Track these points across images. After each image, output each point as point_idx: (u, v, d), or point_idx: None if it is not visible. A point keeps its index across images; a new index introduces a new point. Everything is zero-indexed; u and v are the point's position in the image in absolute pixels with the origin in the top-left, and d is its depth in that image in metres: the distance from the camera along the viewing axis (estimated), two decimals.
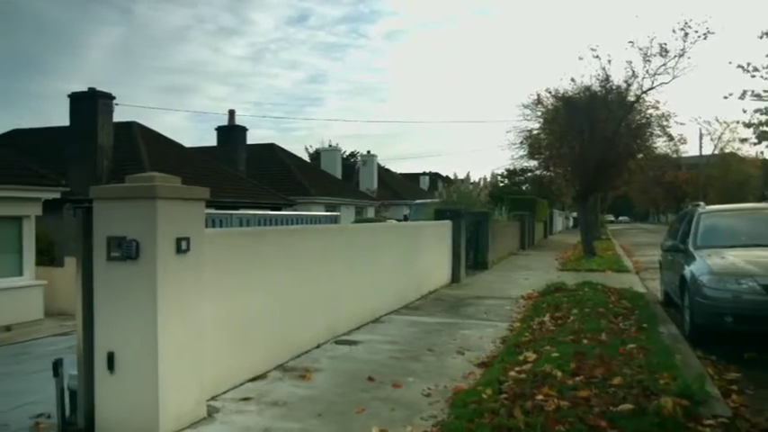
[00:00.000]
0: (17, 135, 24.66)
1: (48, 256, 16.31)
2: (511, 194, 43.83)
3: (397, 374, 7.77)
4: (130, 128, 21.85)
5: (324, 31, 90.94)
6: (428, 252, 15.77)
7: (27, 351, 11.04)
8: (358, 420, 6.15)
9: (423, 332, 10.55)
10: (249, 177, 25.39)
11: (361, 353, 9.00)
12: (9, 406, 7.27)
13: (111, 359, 5.71)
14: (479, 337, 10.21)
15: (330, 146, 50.18)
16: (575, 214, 68.36)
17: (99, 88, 19.31)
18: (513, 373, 7.18)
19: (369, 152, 45.44)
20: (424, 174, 65.80)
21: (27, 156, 15.99)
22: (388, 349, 9.20)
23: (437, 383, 7.35)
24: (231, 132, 26.43)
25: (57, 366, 6.09)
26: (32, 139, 23.19)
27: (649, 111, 25.94)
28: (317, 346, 9.13)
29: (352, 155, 61.09)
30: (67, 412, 6.11)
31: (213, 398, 6.64)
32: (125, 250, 5.56)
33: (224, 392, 6.88)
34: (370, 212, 36.01)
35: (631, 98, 24.76)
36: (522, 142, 29.07)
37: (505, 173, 57.06)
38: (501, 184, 55.75)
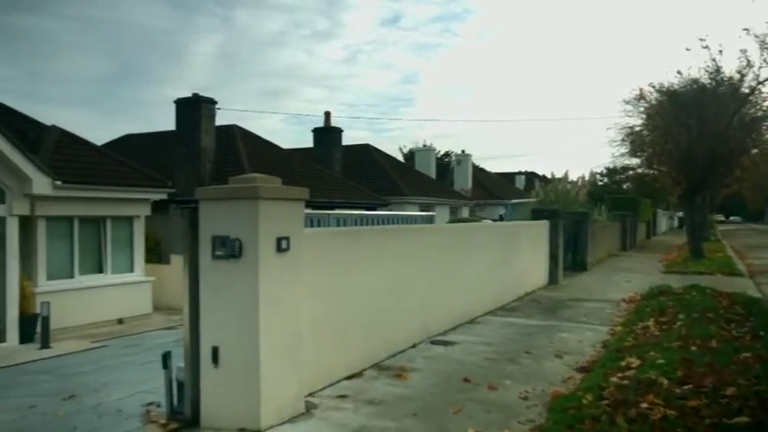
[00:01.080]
0: (128, 140, 26.10)
1: (155, 253, 17.18)
2: (611, 194, 42.31)
3: (492, 376, 7.66)
4: (231, 130, 22.64)
5: (416, 32, 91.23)
6: (524, 253, 15.48)
7: (138, 343, 11.69)
8: (454, 421, 6.11)
9: (519, 334, 10.36)
10: (344, 178, 25.78)
11: (456, 353, 8.94)
12: (124, 393, 7.72)
13: (215, 353, 5.93)
14: (578, 340, 9.91)
15: (424, 146, 50.17)
16: (680, 214, 65.27)
17: (202, 94, 20.21)
18: (614, 379, 6.91)
19: (463, 151, 45.00)
20: (520, 173, 64.48)
21: (137, 159, 16.90)
22: (484, 350, 9.09)
23: (534, 387, 7.19)
24: (327, 134, 26.91)
25: (166, 359, 6.40)
26: (142, 143, 24.51)
27: (766, 103, 24.32)
28: (413, 346, 9.14)
29: (447, 154, 60.85)
30: (175, 402, 6.41)
31: (311, 394, 6.77)
32: (228, 249, 5.76)
33: (321, 389, 7.01)
34: (465, 212, 35.73)
35: (746, 90, 23.23)
36: (623, 139, 27.95)
37: (605, 171, 55.18)
38: (600, 183, 53.94)
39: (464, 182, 42.86)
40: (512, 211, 27.94)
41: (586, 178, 34.53)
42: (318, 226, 8.05)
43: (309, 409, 6.41)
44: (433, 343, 9.50)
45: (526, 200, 28.88)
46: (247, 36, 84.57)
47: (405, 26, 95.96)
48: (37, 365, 9.88)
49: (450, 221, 27.16)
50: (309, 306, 6.59)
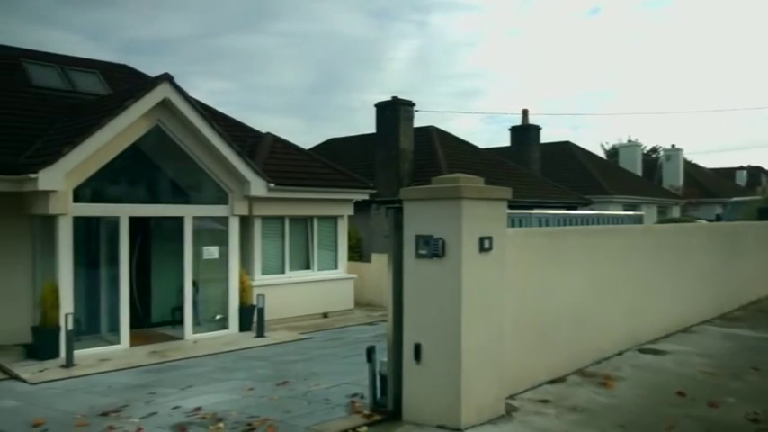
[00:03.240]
0: (332, 144, 27.65)
1: (357, 252, 17.98)
2: None
3: (712, 392, 6.99)
4: (428, 132, 23.07)
5: (617, 21, 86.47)
6: (748, 256, 13.98)
7: (341, 336, 12.30)
8: None
9: (743, 347, 9.37)
10: (543, 177, 25.15)
11: (667, 364, 8.29)
12: (330, 383, 8.15)
13: (417, 350, 6.03)
14: None
15: (629, 141, 47.28)
16: None
17: (400, 97, 20.81)
18: None
19: (673, 146, 41.57)
20: (742, 168, 58.07)
21: (340, 161, 17.83)
22: (700, 363, 8.34)
23: (765, 408, 6.43)
24: (524, 132, 26.41)
25: (370, 353, 6.62)
26: (344, 146, 25.82)
27: None
28: (619, 353, 8.64)
29: (654, 150, 56.85)
30: (378, 395, 6.61)
31: (511, 396, 6.64)
32: (432, 248, 5.83)
33: (522, 392, 6.86)
34: (675, 212, 33.19)
35: None
36: None
37: None
38: None
39: (674, 179, 39.71)
40: (731, 210, 25.45)
41: None
42: (520, 226, 7.90)
43: (509, 411, 6.30)
44: (641, 351, 8.91)
45: (750, 198, 26.09)
46: (442, 38, 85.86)
47: (603, 17, 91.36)
48: (253, 352, 10.78)
49: (659, 221, 25.37)
50: (511, 306, 6.48)
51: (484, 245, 5.90)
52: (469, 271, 5.77)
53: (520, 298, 6.77)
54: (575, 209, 20.63)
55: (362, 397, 7.12)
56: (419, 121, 21.37)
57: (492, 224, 6.06)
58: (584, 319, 8.06)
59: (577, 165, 30.11)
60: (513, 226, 7.52)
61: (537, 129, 26.78)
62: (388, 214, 6.40)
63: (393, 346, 6.37)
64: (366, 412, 6.55)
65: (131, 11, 75.98)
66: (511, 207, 6.64)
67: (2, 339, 10.25)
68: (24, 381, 8.84)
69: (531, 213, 8.48)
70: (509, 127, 27.42)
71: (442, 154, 21.34)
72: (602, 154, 51.90)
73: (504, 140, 28.12)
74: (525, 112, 26.93)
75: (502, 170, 22.40)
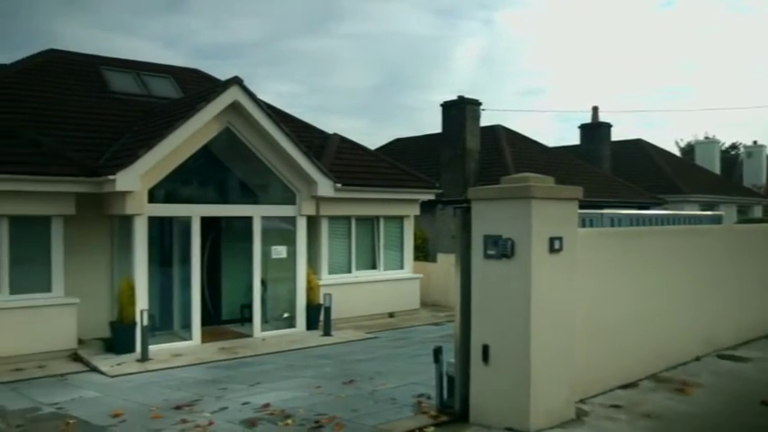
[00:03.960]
0: (397, 144, 27.70)
1: (422, 251, 17.95)
2: None
3: None
4: (495, 131, 22.80)
5: (689, 14, 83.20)
6: None
7: (407, 336, 12.29)
8: None
9: None
10: (614, 175, 24.50)
11: (750, 371, 7.93)
12: (396, 383, 8.16)
13: (485, 352, 5.96)
14: None
15: (706, 138, 45.46)
16: None
17: (465, 96, 20.66)
18: None
19: (755, 142, 39.63)
20: None
21: (405, 161, 17.83)
22: None
23: None
24: (594, 129, 25.76)
25: (437, 354, 6.59)
26: (409, 146, 25.82)
27: None
28: (696, 359, 8.31)
29: (734, 146, 54.50)
30: (445, 395, 6.57)
31: (582, 401, 6.48)
32: (500, 248, 5.75)
33: (593, 396, 6.68)
34: (757, 212, 31.67)
35: None
36: None
37: None
38: None
39: (756, 177, 37.85)
40: None
41: None
42: (591, 226, 7.68)
43: (580, 416, 6.15)
44: (720, 357, 8.56)
45: None
46: (508, 36, 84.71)
47: (677, 7, 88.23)
48: (320, 351, 10.90)
49: (740, 221, 24.30)
50: (582, 308, 6.32)
51: (554, 245, 5.78)
52: (539, 272, 5.66)
53: (591, 299, 6.60)
54: (647, 209, 19.98)
55: (429, 397, 7.11)
56: (485, 119, 21.18)
57: (562, 224, 5.93)
58: (659, 323, 7.79)
59: (650, 163, 29.13)
60: (583, 226, 7.33)
61: (608, 126, 26.11)
62: (456, 214, 6.35)
63: (460, 347, 6.32)
64: (433, 413, 6.53)
65: (203, 17, 78.24)
66: (581, 207, 6.49)
67: (83, 333, 10.70)
68: (103, 373, 9.22)
69: (602, 213, 8.24)
70: (578, 125, 26.80)
71: (509, 153, 21.06)
72: (676, 152, 50.11)
73: (573, 139, 27.55)
74: (595, 110, 26.29)
75: (571, 169, 21.92)
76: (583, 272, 6.29)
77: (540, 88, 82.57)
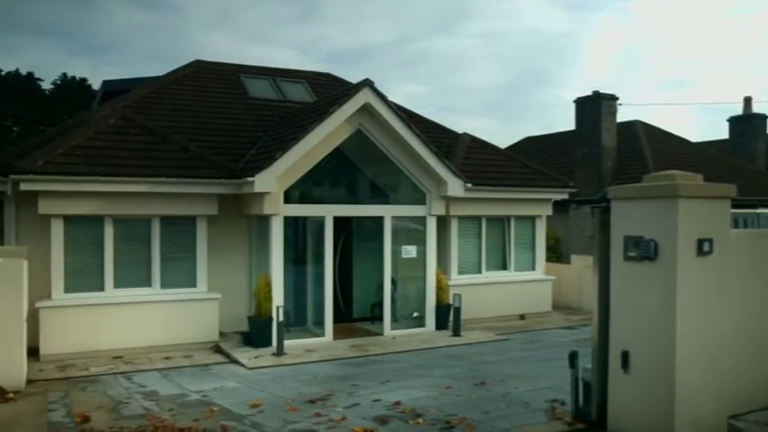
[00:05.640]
0: (528, 142, 27.06)
1: (555, 252, 17.43)
2: None
3: None
4: (633, 126, 21.67)
5: None
6: None
7: (539, 339, 11.97)
8: None
9: None
10: None
11: None
12: (528, 387, 7.97)
13: (625, 358, 5.68)
14: None
15: None
16: None
17: (601, 91, 19.81)
18: None
19: None
20: None
21: (536, 160, 17.37)
22: None
23: None
24: (747, 122, 23.78)
25: (572, 358, 6.38)
26: (541, 144, 25.15)
27: None
28: None
29: None
30: (581, 401, 6.35)
31: (734, 416, 6.00)
32: (642, 250, 5.45)
33: (746, 413, 6.16)
34: None
35: None
36: None
37: None
38: None
39: None
40: None
41: None
42: (744, 227, 7.14)
43: None
44: None
45: None
46: (644, 26, 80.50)
47: None
48: (450, 351, 10.85)
49: None
50: (733, 315, 5.85)
51: (703, 247, 5.39)
52: (685, 275, 5.30)
53: (744, 307, 6.09)
54: None
55: (563, 403, 6.89)
56: (622, 115, 20.21)
57: (712, 225, 5.52)
58: None
59: None
60: (736, 227, 6.81)
61: (762, 118, 23.99)
62: (594, 214, 6.10)
63: (598, 353, 6.07)
64: (567, 419, 6.35)
65: (336, 24, 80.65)
66: (734, 207, 6.01)
67: (224, 327, 11.32)
68: (242, 365, 9.69)
69: (758, 213, 7.62)
70: (727, 117, 24.87)
71: (648, 150, 19.97)
72: None
73: (720, 133, 25.62)
74: (748, 101, 24.22)
75: (720, 165, 20.40)
76: (735, 276, 5.82)
77: (682, 80, 77.65)
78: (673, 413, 5.36)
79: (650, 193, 5.55)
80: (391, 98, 11.80)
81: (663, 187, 5.44)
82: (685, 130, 74.55)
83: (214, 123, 13.41)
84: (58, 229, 10.29)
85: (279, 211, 10.96)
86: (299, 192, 11.49)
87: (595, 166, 18.93)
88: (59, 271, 10.29)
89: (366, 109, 11.47)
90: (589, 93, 19.77)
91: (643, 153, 19.71)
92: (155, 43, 68.64)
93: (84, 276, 10.55)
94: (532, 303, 14.36)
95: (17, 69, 37.77)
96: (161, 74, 15.47)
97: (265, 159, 10.89)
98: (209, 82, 15.11)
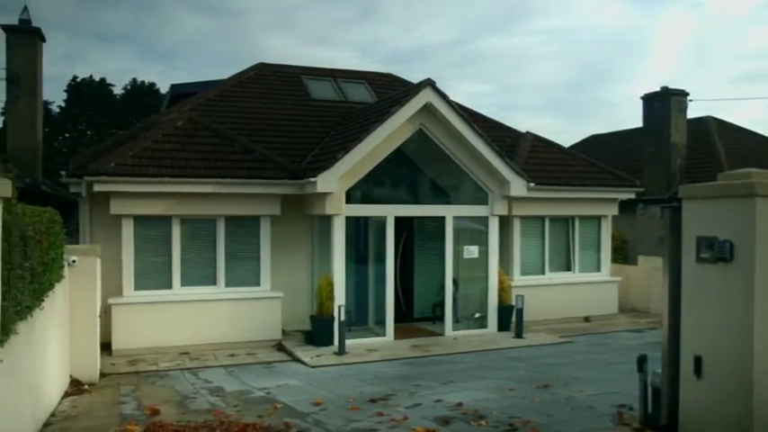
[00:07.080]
0: (593, 140, 26.46)
1: (620, 253, 16.96)
2: None
3: None
4: (704, 123, 20.92)
5: None
6: None
7: (605, 342, 11.68)
8: None
9: None
10: None
11: None
12: (594, 391, 7.78)
13: (698, 363, 5.45)
14: None
15: None
16: None
17: (670, 87, 19.17)
18: None
19: None
20: None
21: (602, 159, 16.93)
22: None
23: None
24: None
25: (641, 363, 6.19)
26: (606, 142, 24.54)
27: None
28: None
29: None
30: (650, 408, 6.16)
31: None
32: (717, 251, 5.21)
33: None
34: None
35: None
36: None
37: None
38: None
39: None
40: None
41: None
42: None
43: None
44: None
45: None
46: (719, 19, 77.50)
47: None
48: (512, 352, 10.70)
49: None
50: None
51: None
52: (764, 277, 5.04)
53: None
54: None
55: (631, 408, 6.71)
56: (692, 111, 19.51)
57: None
58: None
59: None
60: None
61: None
62: (664, 214, 5.89)
63: (668, 357, 5.86)
64: (635, 425, 6.19)
65: (395, 24, 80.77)
66: None
67: (286, 325, 11.48)
68: (305, 364, 9.81)
69: None
70: None
71: (721, 147, 19.23)
72: None
73: None
74: None
75: None
76: None
77: (761, 73, 74.23)
78: (751, 422, 5.10)
79: (725, 192, 5.30)
80: (452, 97, 11.74)
81: (739, 186, 5.19)
82: (764, 126, 71.41)
83: (277, 125, 13.62)
84: (128, 229, 10.65)
85: (341, 211, 11.04)
86: (360, 192, 11.55)
87: (664, 164, 18.34)
88: (130, 269, 10.64)
89: (427, 108, 11.43)
90: (657, 89, 19.17)
91: (716, 150, 19.00)
92: (219, 47, 70.43)
93: (152, 274, 10.89)
94: (597, 305, 14.03)
95: (91, 76, 39.45)
96: (225, 77, 15.82)
97: (327, 160, 10.99)
98: (272, 84, 15.34)
